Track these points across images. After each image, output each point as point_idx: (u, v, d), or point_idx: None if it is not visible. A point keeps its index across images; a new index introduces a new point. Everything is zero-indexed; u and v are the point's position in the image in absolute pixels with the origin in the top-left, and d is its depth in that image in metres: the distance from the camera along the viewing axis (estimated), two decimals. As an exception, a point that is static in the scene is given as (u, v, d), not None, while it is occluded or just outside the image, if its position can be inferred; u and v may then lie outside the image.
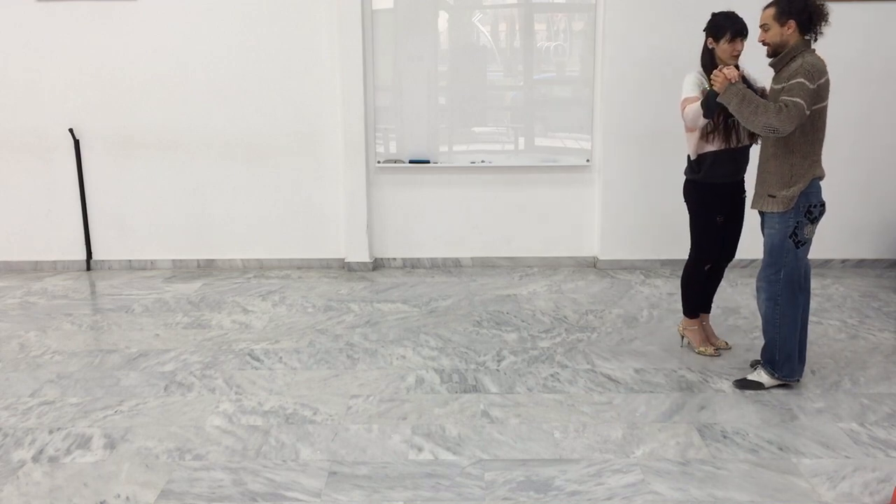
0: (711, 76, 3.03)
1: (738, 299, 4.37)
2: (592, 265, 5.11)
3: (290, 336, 3.83)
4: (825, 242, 5.05)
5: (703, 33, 3.30)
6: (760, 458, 2.62)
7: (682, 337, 3.65)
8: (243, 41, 4.84)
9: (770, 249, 3.01)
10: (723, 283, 4.66)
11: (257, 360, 3.52)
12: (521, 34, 4.88)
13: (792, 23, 2.89)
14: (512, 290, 4.59)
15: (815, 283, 4.68)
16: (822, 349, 3.61)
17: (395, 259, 5.18)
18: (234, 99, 4.91)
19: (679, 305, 4.27)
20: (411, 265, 5.18)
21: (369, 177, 5.01)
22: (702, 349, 3.54)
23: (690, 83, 3.25)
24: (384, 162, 4.99)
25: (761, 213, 3.07)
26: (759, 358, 3.24)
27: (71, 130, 4.94)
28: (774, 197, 2.96)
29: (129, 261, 5.17)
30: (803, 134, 2.91)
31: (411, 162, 4.99)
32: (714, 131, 3.23)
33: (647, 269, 5.06)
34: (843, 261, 5.07)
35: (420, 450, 2.69)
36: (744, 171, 3.38)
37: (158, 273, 5.07)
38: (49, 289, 4.71)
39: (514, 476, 2.52)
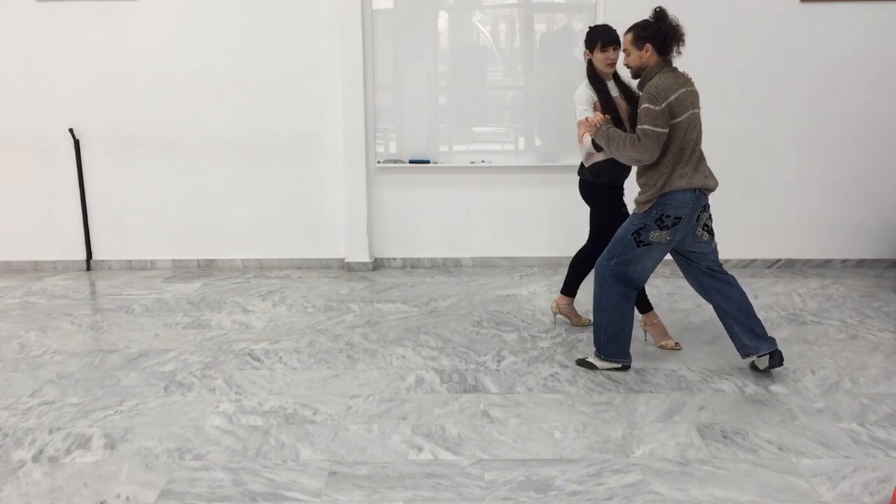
0: (578, 125, 3.34)
1: (738, 299, 4.37)
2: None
3: (290, 336, 3.83)
4: (825, 242, 5.06)
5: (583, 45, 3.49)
6: (760, 458, 2.62)
7: (646, 333, 3.71)
8: (243, 41, 4.84)
9: (614, 240, 3.24)
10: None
11: (257, 360, 3.52)
12: (521, 34, 4.88)
13: (649, 46, 3.07)
14: (512, 290, 4.59)
15: (815, 283, 4.69)
16: (822, 349, 3.61)
17: (395, 259, 5.18)
18: (234, 99, 4.91)
19: (679, 305, 4.27)
20: (411, 265, 5.18)
21: (369, 177, 5.01)
22: (663, 342, 3.62)
23: (582, 100, 3.41)
24: (384, 162, 4.99)
25: None
26: (752, 361, 3.31)
27: (71, 130, 4.94)
28: (635, 201, 3.19)
29: (129, 261, 5.17)
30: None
31: (411, 162, 4.99)
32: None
33: (647, 269, 5.05)
34: (843, 261, 5.07)
35: (420, 450, 2.69)
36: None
37: (158, 273, 5.07)
38: (49, 289, 4.71)
39: (514, 476, 2.52)
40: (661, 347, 3.62)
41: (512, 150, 5.03)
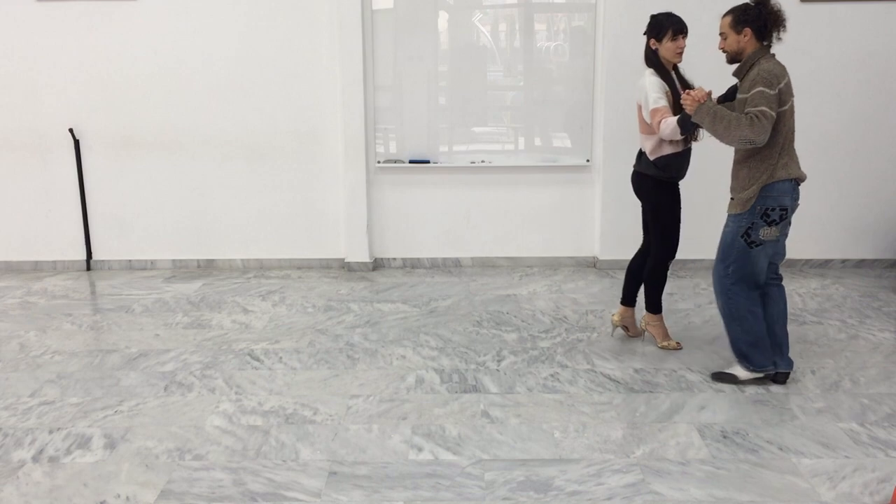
0: (681, 100, 3.08)
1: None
2: (592, 265, 5.11)
3: (290, 336, 3.83)
4: (825, 242, 5.06)
5: (644, 36, 3.35)
6: (760, 458, 2.62)
7: (644, 332, 3.70)
8: (243, 41, 4.84)
9: (722, 247, 3.11)
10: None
11: (257, 360, 3.52)
12: (521, 34, 4.88)
13: (748, 30, 2.97)
14: (512, 290, 4.59)
15: (815, 283, 4.69)
16: (822, 349, 3.61)
17: (395, 259, 5.18)
18: (234, 99, 4.91)
19: (679, 305, 4.27)
20: (411, 265, 5.18)
21: (369, 177, 5.01)
22: (664, 343, 3.61)
23: (656, 87, 3.26)
24: (384, 162, 4.99)
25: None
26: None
27: (71, 130, 4.94)
28: (732, 199, 3.07)
29: (129, 261, 5.17)
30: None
31: (411, 162, 4.99)
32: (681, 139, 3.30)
33: (647, 269, 5.06)
34: (843, 261, 5.07)
35: (420, 450, 2.69)
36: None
37: (158, 273, 5.07)
38: (49, 289, 4.71)
39: (514, 476, 2.52)
40: (663, 348, 3.62)
41: (512, 150, 5.03)
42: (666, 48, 3.27)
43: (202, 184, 5.05)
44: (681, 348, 3.61)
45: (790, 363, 3.19)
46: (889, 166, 4.92)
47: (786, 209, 2.98)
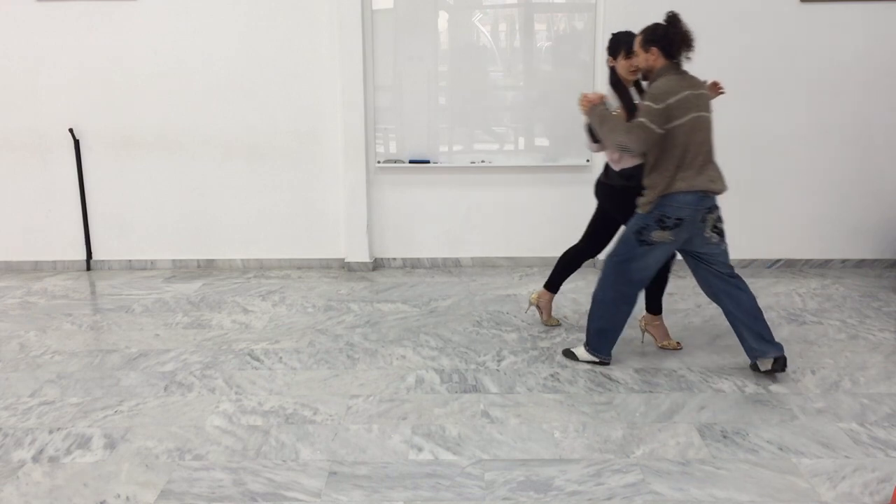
0: (578, 102, 3.29)
1: (738, 299, 4.37)
2: (592, 265, 5.11)
3: (290, 336, 3.83)
4: (825, 242, 5.06)
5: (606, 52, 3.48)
6: (760, 458, 2.62)
7: (644, 333, 3.71)
8: (243, 41, 4.84)
9: (620, 236, 3.30)
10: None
11: (257, 360, 3.52)
12: (521, 34, 4.88)
13: (655, 49, 3.14)
14: (512, 290, 4.59)
15: (815, 283, 4.69)
16: (822, 349, 3.61)
17: (395, 259, 5.18)
18: (234, 99, 4.91)
19: (679, 305, 4.27)
20: (411, 265, 5.18)
21: (369, 177, 5.01)
22: (665, 343, 3.63)
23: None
24: (384, 162, 4.99)
25: None
26: (755, 362, 3.29)
27: (71, 130, 4.94)
28: (638, 203, 3.23)
29: (129, 261, 5.17)
30: (661, 151, 3.10)
31: (411, 162, 4.99)
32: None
33: (647, 269, 5.06)
34: (843, 261, 5.08)
35: (420, 450, 2.69)
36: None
37: (158, 273, 5.07)
38: (49, 289, 4.71)
39: (514, 476, 2.52)
40: (663, 348, 3.62)
41: (512, 150, 5.03)
42: (621, 66, 3.40)
43: (202, 184, 5.05)
44: (681, 348, 3.61)
45: (780, 347, 3.22)
46: (889, 166, 4.92)
47: (682, 219, 3.11)
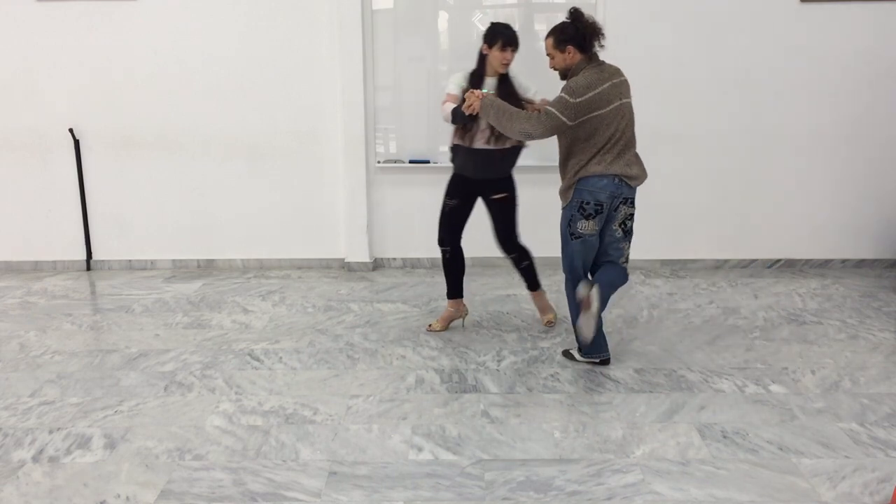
0: (466, 96, 3.32)
1: (738, 299, 4.37)
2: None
3: (290, 336, 3.83)
4: (825, 242, 5.06)
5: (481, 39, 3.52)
6: (760, 458, 2.62)
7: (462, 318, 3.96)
8: (243, 41, 4.84)
9: (561, 237, 3.34)
10: (722, 283, 4.69)
11: (257, 360, 3.52)
12: (521, 34, 4.85)
13: (570, 47, 3.17)
14: (512, 290, 4.59)
15: (815, 283, 4.69)
16: (822, 349, 3.61)
17: (395, 259, 5.18)
18: (234, 99, 4.91)
19: (679, 305, 4.27)
20: (411, 265, 5.18)
21: (369, 177, 5.01)
22: (547, 317, 3.91)
23: (454, 81, 3.56)
24: (384, 162, 4.99)
25: None
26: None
27: (71, 130, 4.94)
28: (560, 193, 3.30)
29: (129, 261, 5.17)
30: (577, 140, 3.15)
31: (411, 162, 4.99)
32: (459, 129, 3.53)
33: (647, 269, 5.06)
34: (843, 261, 5.07)
35: (420, 450, 2.69)
36: (489, 173, 3.62)
37: (158, 273, 5.07)
38: (49, 289, 4.71)
39: (514, 476, 2.52)
40: (548, 324, 3.89)
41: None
42: (494, 56, 3.46)
43: (202, 184, 5.05)
44: (554, 323, 3.90)
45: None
46: (889, 166, 4.92)
47: (601, 204, 3.15)
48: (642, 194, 4.92)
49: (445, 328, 3.91)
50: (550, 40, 3.22)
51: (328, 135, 4.97)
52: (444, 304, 4.33)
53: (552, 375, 3.32)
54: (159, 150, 5.00)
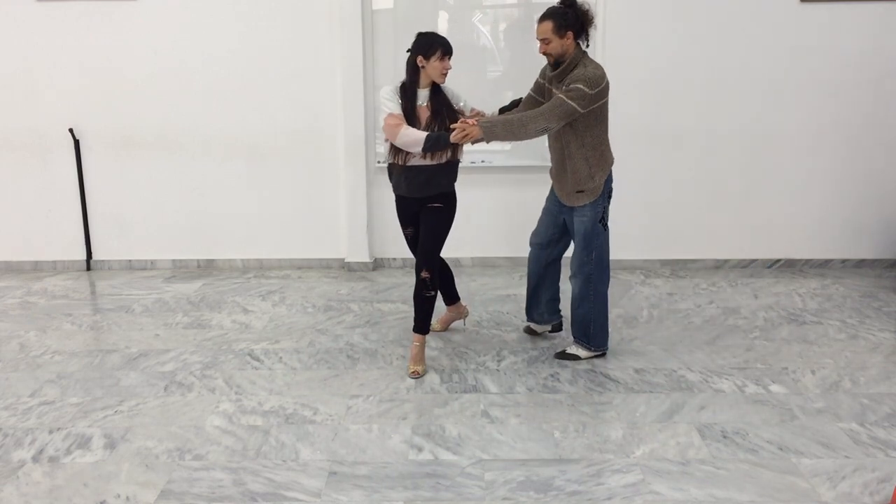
0: (459, 126, 3.10)
1: (738, 299, 4.37)
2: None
3: (290, 336, 3.83)
4: (825, 242, 5.06)
5: (408, 53, 3.29)
6: (760, 458, 2.62)
7: (463, 321, 3.99)
8: (243, 41, 4.83)
9: (584, 235, 3.29)
10: (722, 283, 4.69)
11: (257, 360, 3.52)
12: (522, 34, 4.87)
13: (570, 34, 3.12)
14: (512, 290, 4.59)
15: (815, 283, 4.69)
16: (822, 349, 3.61)
17: (395, 259, 5.18)
18: (234, 99, 4.91)
19: (679, 305, 4.27)
20: (411, 265, 5.17)
21: (369, 177, 5.00)
22: (440, 327, 3.90)
23: (387, 98, 3.29)
24: (384, 162, 4.98)
25: (570, 208, 3.34)
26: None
27: (71, 130, 4.94)
28: (583, 191, 3.25)
29: (129, 261, 5.17)
30: (590, 130, 3.16)
31: (411, 162, 4.97)
32: (392, 147, 3.31)
33: (647, 269, 5.06)
34: (843, 261, 5.07)
35: (420, 450, 2.69)
36: (427, 190, 3.35)
37: (158, 273, 5.07)
38: (49, 289, 4.71)
39: (514, 476, 2.52)
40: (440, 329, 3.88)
41: (512, 150, 5.03)
42: (433, 67, 3.23)
43: (202, 184, 5.05)
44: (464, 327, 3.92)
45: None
46: (889, 166, 4.92)
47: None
48: (642, 194, 4.95)
49: (445, 328, 3.90)
50: (549, 24, 3.08)
51: (328, 135, 4.97)
52: (443, 304, 4.33)
53: (552, 375, 3.32)
54: (159, 150, 5.00)
